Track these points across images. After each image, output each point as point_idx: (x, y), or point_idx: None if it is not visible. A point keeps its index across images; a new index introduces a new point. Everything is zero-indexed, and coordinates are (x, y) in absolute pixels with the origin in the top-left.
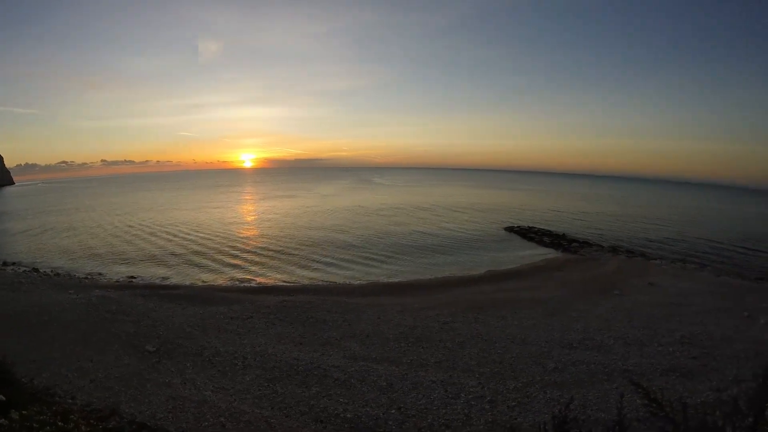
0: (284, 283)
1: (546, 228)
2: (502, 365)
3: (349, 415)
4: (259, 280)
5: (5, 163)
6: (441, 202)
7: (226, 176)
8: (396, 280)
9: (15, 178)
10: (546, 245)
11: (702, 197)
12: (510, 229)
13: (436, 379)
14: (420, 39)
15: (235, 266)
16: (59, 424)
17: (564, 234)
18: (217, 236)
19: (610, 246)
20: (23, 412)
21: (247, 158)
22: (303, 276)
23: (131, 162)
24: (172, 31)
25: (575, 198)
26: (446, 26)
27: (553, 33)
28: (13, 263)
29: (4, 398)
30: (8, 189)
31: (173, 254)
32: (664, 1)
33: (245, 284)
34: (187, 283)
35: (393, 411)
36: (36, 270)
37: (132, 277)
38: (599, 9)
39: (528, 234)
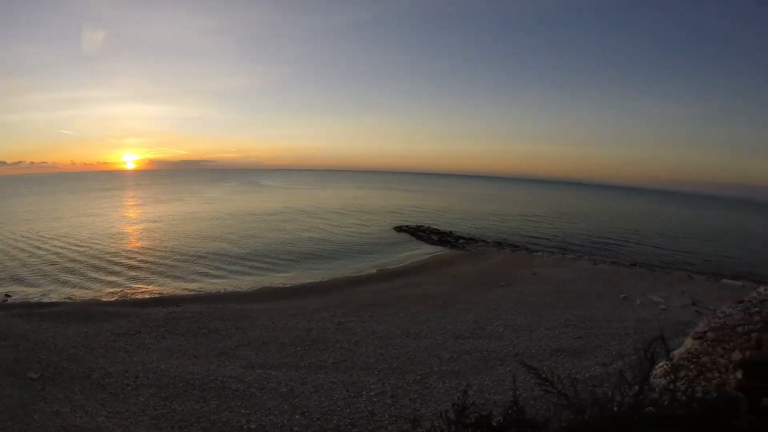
0: (172, 294)
1: (434, 226)
2: (400, 360)
3: (252, 426)
4: (144, 292)
5: None
6: (330, 204)
7: (107, 179)
8: (288, 283)
9: None
10: (434, 243)
11: (581, 196)
12: (399, 229)
13: (336, 380)
14: (313, 41)
15: (118, 279)
16: None
17: (451, 232)
18: (97, 247)
19: (495, 241)
20: None
21: (129, 159)
22: (191, 287)
23: (2, 163)
24: (52, 16)
25: (462, 198)
26: (340, 30)
27: (445, 40)
28: None
29: None
30: None
31: (50, 268)
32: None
33: (130, 297)
34: (68, 299)
35: (297, 416)
36: None
37: (7, 294)
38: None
39: (417, 233)
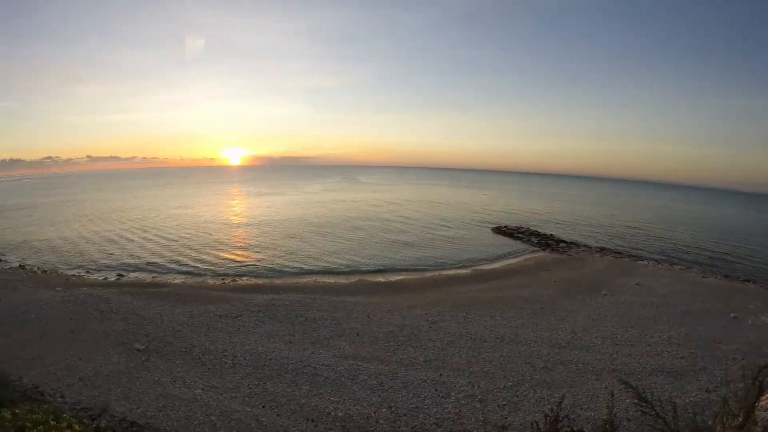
0: (273, 282)
1: (534, 228)
2: (492, 364)
3: (340, 414)
4: (248, 278)
5: None
6: (425, 201)
7: (214, 174)
8: (385, 279)
9: None
10: (533, 245)
11: (689, 200)
12: (497, 230)
13: (426, 378)
14: (402, 38)
15: (223, 265)
16: (51, 422)
17: (552, 234)
18: (206, 235)
19: (597, 246)
20: (15, 411)
21: (233, 155)
22: (292, 275)
23: (117, 158)
24: (158, 26)
25: (563, 199)
26: (430, 25)
27: (539, 34)
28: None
29: None
30: None
31: (162, 252)
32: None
33: (234, 283)
34: (176, 281)
35: (384, 410)
36: (22, 267)
37: (120, 274)
38: (590, 9)
39: (516, 234)
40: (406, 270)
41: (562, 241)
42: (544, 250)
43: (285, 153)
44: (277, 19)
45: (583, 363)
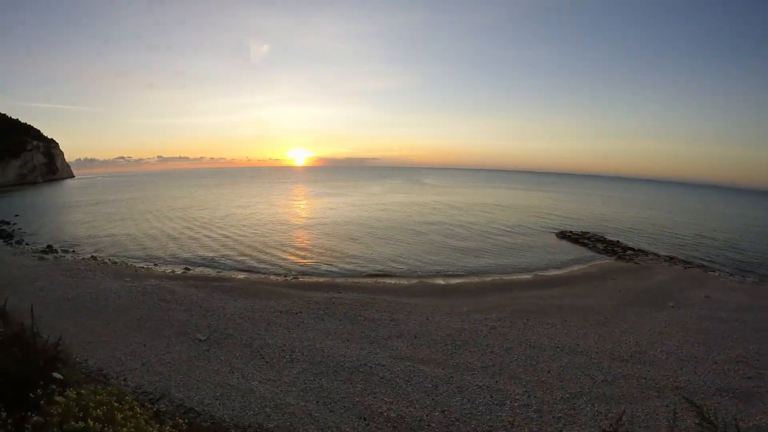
0: (334, 281)
1: (599, 234)
2: (550, 374)
3: (392, 415)
4: (309, 276)
5: (65, 157)
6: (488, 204)
7: (279, 174)
8: (444, 281)
9: (75, 172)
10: (599, 251)
11: (765, 206)
12: (562, 235)
13: (482, 384)
14: (459, 39)
15: (285, 263)
16: (115, 404)
17: (618, 241)
18: (270, 233)
19: (666, 255)
20: (80, 391)
21: (298, 156)
22: (352, 275)
23: (186, 158)
24: (224, 34)
25: (630, 203)
26: (487, 26)
27: (597, 33)
28: (73, 251)
29: (61, 377)
30: (69, 182)
31: (227, 249)
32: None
33: (295, 280)
34: (239, 276)
35: (437, 413)
36: (94, 258)
37: (186, 268)
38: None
39: (581, 240)
40: (467, 274)
41: (629, 248)
42: (609, 257)
43: (348, 154)
44: (338, 23)
45: (645, 378)
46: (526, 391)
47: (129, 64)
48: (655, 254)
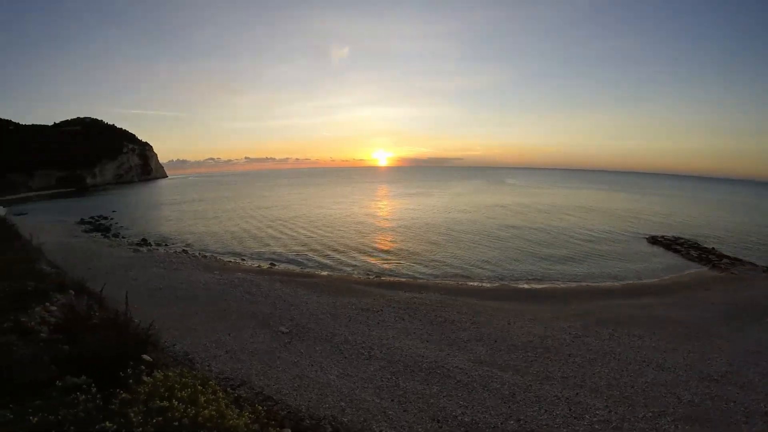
0: (416, 281)
1: (693, 240)
2: (634, 390)
3: (466, 419)
4: (391, 276)
5: (159, 158)
6: (573, 206)
7: (362, 174)
8: (528, 286)
9: (168, 172)
10: (692, 259)
11: None
12: (653, 240)
13: (561, 395)
14: (538, 35)
15: (368, 262)
16: (199, 387)
17: (713, 248)
18: (354, 233)
19: (765, 266)
20: (168, 373)
21: (380, 156)
22: (434, 276)
23: (272, 159)
24: (305, 39)
25: (728, 207)
26: (570, 18)
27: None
28: (165, 244)
29: (150, 359)
30: (162, 181)
31: (311, 247)
32: None
33: (377, 279)
34: (323, 273)
35: (512, 422)
36: (185, 251)
37: (272, 263)
38: None
39: (673, 246)
40: (552, 279)
41: (725, 256)
42: (703, 266)
43: (431, 154)
44: (417, 24)
45: (734, 401)
46: (607, 406)
47: (212, 73)
48: (752, 264)
